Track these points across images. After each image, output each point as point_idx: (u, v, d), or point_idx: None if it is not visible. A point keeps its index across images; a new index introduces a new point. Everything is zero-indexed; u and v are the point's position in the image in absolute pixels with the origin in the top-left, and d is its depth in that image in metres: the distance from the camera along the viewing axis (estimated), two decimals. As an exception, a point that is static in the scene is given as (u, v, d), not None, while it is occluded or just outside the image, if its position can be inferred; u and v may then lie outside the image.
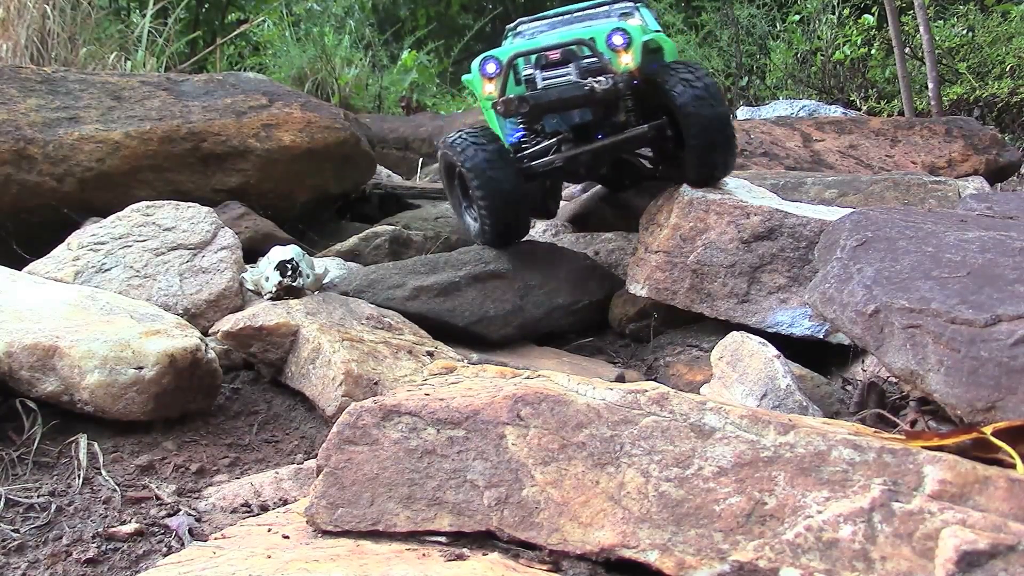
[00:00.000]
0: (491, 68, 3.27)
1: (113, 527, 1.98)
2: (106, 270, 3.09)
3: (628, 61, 3.17)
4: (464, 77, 3.49)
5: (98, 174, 3.88)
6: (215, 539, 1.82)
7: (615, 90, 3.07)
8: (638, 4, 3.82)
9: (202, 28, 10.34)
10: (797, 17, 9.55)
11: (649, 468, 1.62)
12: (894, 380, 2.57)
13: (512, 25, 4.03)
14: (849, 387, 2.95)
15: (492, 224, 3.36)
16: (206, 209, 3.41)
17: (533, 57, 3.24)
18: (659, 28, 3.69)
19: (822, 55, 9.10)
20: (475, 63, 3.31)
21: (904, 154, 5.33)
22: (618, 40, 3.17)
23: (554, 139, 3.32)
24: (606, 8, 3.82)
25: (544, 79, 3.14)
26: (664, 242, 3.33)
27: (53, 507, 2.04)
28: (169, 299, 3.01)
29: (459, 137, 3.36)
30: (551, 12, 3.98)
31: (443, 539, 1.66)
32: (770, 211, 3.24)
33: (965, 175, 5.02)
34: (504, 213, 3.33)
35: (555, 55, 3.18)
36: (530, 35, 3.91)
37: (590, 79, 3.08)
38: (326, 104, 5.00)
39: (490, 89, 3.28)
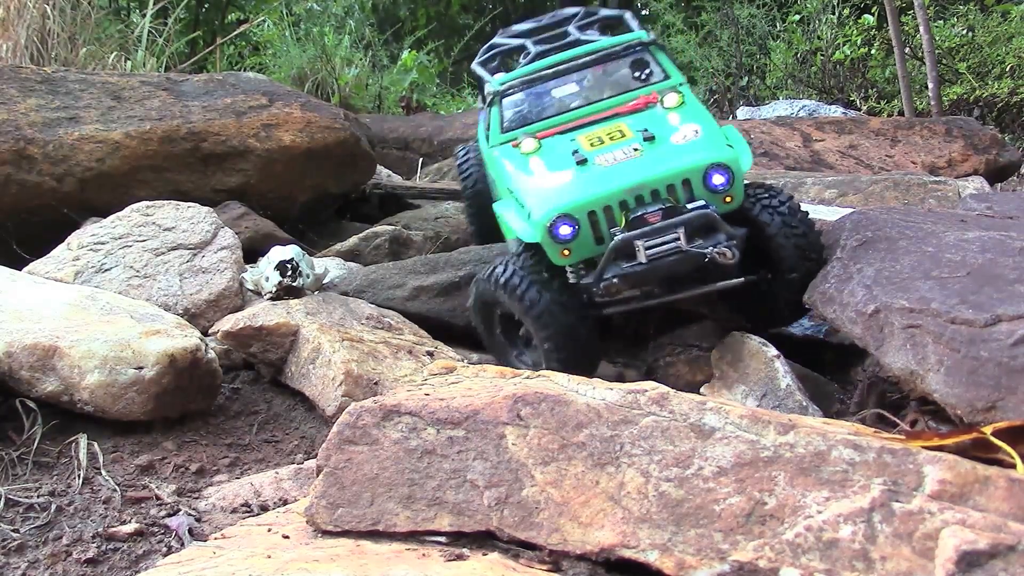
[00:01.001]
0: (567, 231, 2.62)
1: (113, 527, 1.98)
2: (106, 270, 3.09)
3: (731, 200, 2.65)
4: (524, 234, 2.76)
5: (98, 174, 3.88)
6: (215, 539, 1.82)
7: (737, 257, 2.54)
8: (650, 45, 3.24)
9: (202, 28, 10.35)
10: (797, 17, 9.55)
11: (649, 468, 1.62)
12: (894, 380, 2.56)
13: (500, 89, 3.25)
14: (849, 387, 2.95)
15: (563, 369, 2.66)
16: (206, 209, 3.42)
17: (615, 204, 2.63)
18: (681, 76, 3.15)
19: (822, 55, 9.10)
20: (539, 221, 2.64)
21: (904, 154, 5.34)
22: (719, 180, 2.62)
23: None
24: (612, 51, 3.23)
25: (648, 248, 2.53)
26: (664, 242, 3.32)
27: (53, 507, 2.04)
28: (169, 299, 3.01)
29: (509, 272, 2.72)
30: (543, 64, 3.24)
31: (443, 539, 1.66)
32: (770, 211, 3.23)
33: (965, 175, 5.03)
34: (579, 359, 2.72)
35: (655, 217, 2.56)
36: (526, 85, 3.21)
37: (710, 247, 2.53)
38: (326, 104, 5.00)
39: (567, 254, 2.65)
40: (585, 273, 2.70)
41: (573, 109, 3.10)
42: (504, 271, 2.73)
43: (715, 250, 2.52)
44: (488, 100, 3.31)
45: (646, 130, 2.82)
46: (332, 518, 1.73)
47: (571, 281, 2.76)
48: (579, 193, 2.66)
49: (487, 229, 3.71)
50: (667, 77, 3.15)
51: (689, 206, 2.59)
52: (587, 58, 3.22)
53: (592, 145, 2.86)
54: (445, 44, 10.54)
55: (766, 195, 2.78)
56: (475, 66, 3.69)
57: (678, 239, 2.53)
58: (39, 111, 3.92)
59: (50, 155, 3.80)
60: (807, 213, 2.80)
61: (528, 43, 3.57)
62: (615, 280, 2.56)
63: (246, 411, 2.72)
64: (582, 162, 2.78)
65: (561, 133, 3.01)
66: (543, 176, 2.83)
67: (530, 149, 2.97)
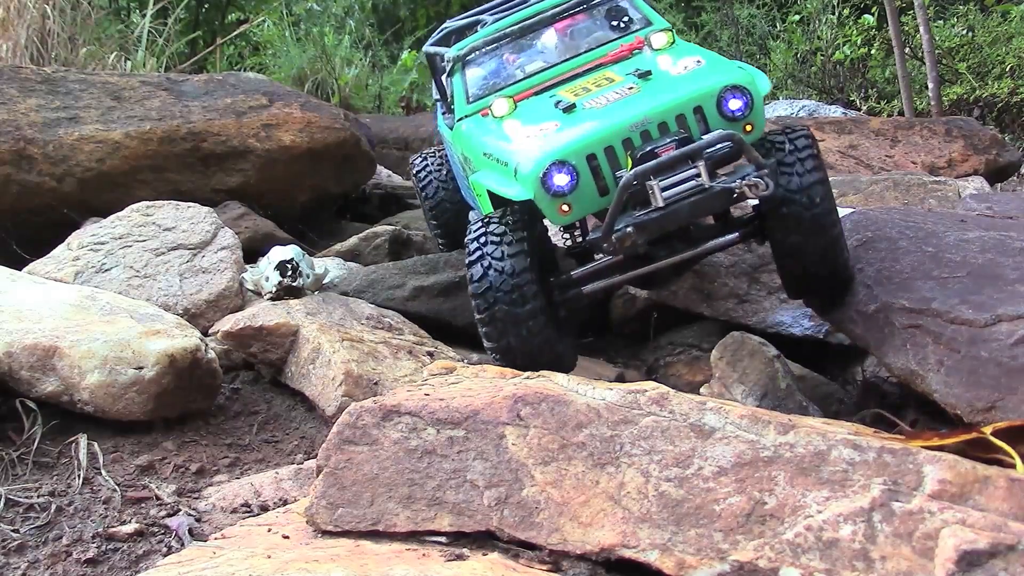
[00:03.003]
0: (563, 180, 2.19)
1: (113, 527, 1.98)
2: (106, 270, 3.09)
3: (752, 128, 2.24)
4: (513, 193, 2.30)
5: (98, 174, 3.88)
6: (215, 539, 1.82)
7: (771, 188, 2.09)
8: None
9: (202, 28, 10.34)
10: (797, 17, 9.55)
11: (649, 468, 1.62)
12: (894, 380, 2.57)
13: (460, 54, 2.88)
14: (849, 387, 2.95)
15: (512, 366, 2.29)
16: (206, 209, 3.42)
17: (618, 143, 2.22)
18: (665, 22, 2.81)
19: (822, 55, 9.10)
20: (529, 174, 2.21)
21: (904, 154, 5.34)
22: (736, 105, 2.22)
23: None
24: (585, 3, 2.89)
25: (664, 189, 2.08)
26: (664, 242, 3.31)
27: (53, 507, 2.04)
28: (169, 299, 3.01)
29: (480, 263, 2.25)
30: (509, 22, 2.88)
31: (443, 539, 1.66)
32: (770, 211, 3.23)
33: (965, 175, 5.03)
34: (531, 365, 2.23)
35: (669, 148, 2.13)
36: (490, 49, 2.86)
37: (737, 180, 2.08)
38: (326, 104, 5.00)
39: (566, 210, 2.22)
40: (582, 235, 2.33)
41: (548, 68, 2.72)
42: (477, 262, 2.27)
43: (744, 182, 2.07)
44: (448, 69, 2.91)
45: (637, 69, 2.46)
46: (332, 518, 1.73)
47: (567, 244, 2.40)
48: (573, 135, 2.26)
49: (457, 239, 3.34)
50: (649, 23, 2.80)
51: (706, 137, 2.16)
52: (557, 9, 2.85)
53: (577, 95, 2.47)
54: (445, 44, 10.52)
55: (780, 141, 2.33)
56: (427, 48, 3.26)
57: (698, 174, 2.08)
58: (39, 111, 3.92)
59: (50, 155, 3.80)
60: (819, 165, 2.30)
61: (485, 17, 3.15)
62: (629, 230, 2.10)
63: (246, 411, 2.72)
64: (569, 108, 2.39)
65: (537, 94, 2.63)
66: (524, 131, 2.41)
67: (504, 112, 2.55)
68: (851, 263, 2.46)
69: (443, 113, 3.27)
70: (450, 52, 2.92)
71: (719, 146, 2.14)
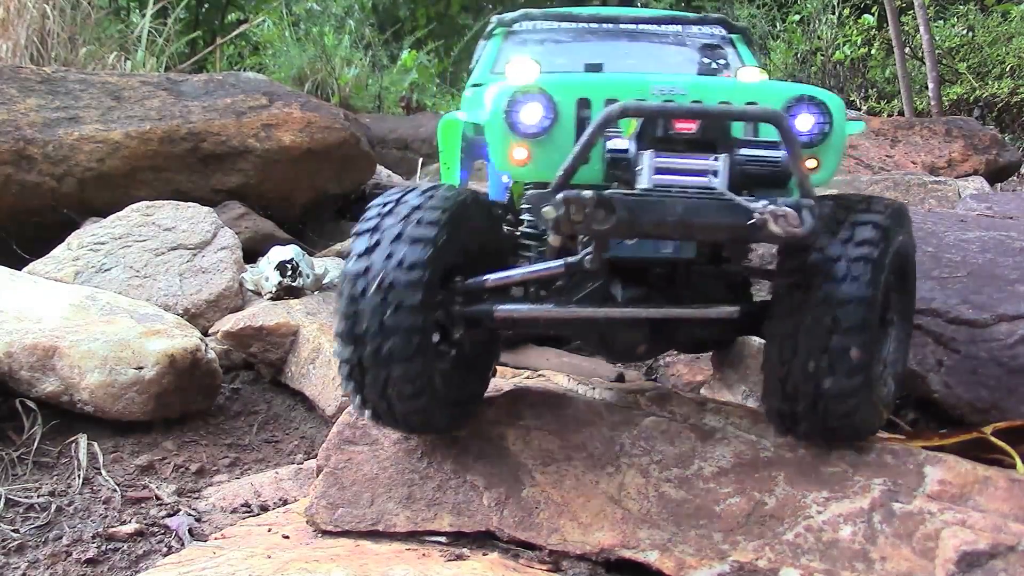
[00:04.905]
0: (533, 115, 1.65)
1: (113, 527, 1.98)
2: (106, 270, 3.09)
3: (816, 167, 1.68)
4: (475, 115, 1.89)
5: (98, 174, 3.88)
6: (215, 539, 1.82)
7: (812, 237, 1.48)
8: (733, 34, 2.40)
9: (202, 28, 10.34)
10: (797, 17, 9.55)
11: (649, 468, 1.62)
12: (894, 380, 2.56)
13: (507, 18, 2.48)
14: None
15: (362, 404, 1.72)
16: (206, 209, 3.42)
17: (626, 98, 1.63)
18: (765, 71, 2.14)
19: (822, 55, 9.10)
20: (498, 93, 1.69)
21: (904, 154, 5.34)
22: (807, 123, 1.67)
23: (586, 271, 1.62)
24: (680, 28, 2.38)
25: (659, 172, 1.54)
26: (664, 242, 3.31)
27: (53, 507, 2.04)
28: (169, 299, 3.02)
29: (369, 237, 1.68)
30: (583, 10, 2.42)
31: (443, 539, 1.66)
32: (770, 211, 3.22)
33: (965, 175, 5.03)
34: (380, 403, 1.69)
35: (686, 125, 1.56)
36: (545, 29, 2.43)
37: (763, 202, 1.46)
38: (326, 104, 5.00)
39: (523, 158, 1.67)
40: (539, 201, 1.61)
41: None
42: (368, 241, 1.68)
43: (771, 208, 1.44)
44: (488, 30, 2.44)
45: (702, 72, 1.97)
46: (332, 518, 1.73)
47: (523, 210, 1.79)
48: (574, 76, 1.79)
49: None
50: (743, 65, 2.28)
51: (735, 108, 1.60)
52: (645, 17, 2.42)
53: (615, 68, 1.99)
54: (445, 44, 10.52)
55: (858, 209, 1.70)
56: (496, 17, 2.65)
57: (714, 173, 1.54)
58: (39, 111, 3.92)
59: (50, 155, 3.80)
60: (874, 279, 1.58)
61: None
62: (587, 195, 1.43)
63: (246, 411, 2.73)
64: (595, 67, 1.86)
65: None
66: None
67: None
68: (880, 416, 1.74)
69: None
70: (502, 17, 2.51)
71: (758, 154, 1.59)
